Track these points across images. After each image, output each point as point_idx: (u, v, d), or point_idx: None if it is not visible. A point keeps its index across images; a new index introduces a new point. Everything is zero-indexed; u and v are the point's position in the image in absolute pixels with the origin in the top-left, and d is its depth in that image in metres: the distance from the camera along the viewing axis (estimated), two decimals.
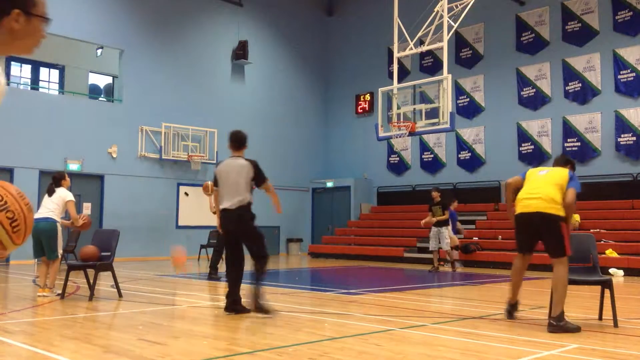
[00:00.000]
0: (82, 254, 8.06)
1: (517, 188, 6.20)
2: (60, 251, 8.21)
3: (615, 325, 5.84)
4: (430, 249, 13.49)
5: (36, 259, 8.40)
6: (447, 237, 13.17)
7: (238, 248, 6.68)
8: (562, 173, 6.04)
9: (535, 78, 17.56)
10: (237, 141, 6.73)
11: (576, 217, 14.86)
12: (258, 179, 6.60)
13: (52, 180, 8.53)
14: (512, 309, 6.29)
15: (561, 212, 5.77)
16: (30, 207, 1.71)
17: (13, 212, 1.65)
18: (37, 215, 8.18)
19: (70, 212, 8.33)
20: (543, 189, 5.89)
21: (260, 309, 6.30)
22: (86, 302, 7.57)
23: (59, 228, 8.19)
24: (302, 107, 22.43)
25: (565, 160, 6.51)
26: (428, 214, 13.55)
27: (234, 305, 6.49)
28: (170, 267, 12.70)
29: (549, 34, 17.38)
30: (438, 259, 13.37)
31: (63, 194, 8.34)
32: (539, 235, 5.91)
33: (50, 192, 8.37)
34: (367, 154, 21.42)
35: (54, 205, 8.21)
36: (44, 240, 8.07)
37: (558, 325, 5.49)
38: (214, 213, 7.66)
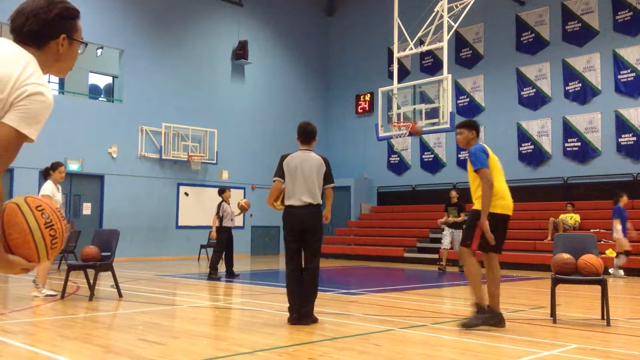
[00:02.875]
0: (83, 254, 8.03)
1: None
2: None
3: (608, 324, 5.87)
4: (442, 247, 13.18)
5: None
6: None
7: (299, 249, 6.17)
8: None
9: (535, 78, 17.55)
10: (308, 134, 6.32)
11: (576, 217, 14.87)
12: (328, 177, 6.29)
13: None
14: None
15: None
16: (68, 228, 1.84)
17: (56, 230, 1.76)
18: None
19: None
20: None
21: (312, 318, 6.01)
22: (86, 302, 7.56)
23: None
24: (302, 107, 22.41)
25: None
26: (444, 215, 13.21)
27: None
28: None
29: (549, 34, 17.38)
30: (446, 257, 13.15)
31: (43, 187, 7.99)
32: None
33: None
34: (367, 154, 21.42)
35: None
36: None
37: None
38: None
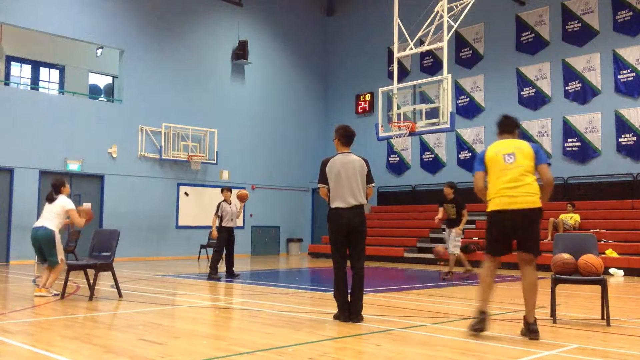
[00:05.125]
0: (87, 216, 8.38)
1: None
2: (60, 257, 8.15)
3: (608, 324, 5.87)
4: (452, 252, 11.63)
5: (40, 262, 8.44)
6: (455, 240, 11.51)
7: (347, 250, 6.41)
8: (528, 150, 5.31)
9: (535, 78, 17.56)
10: (351, 136, 6.42)
11: (576, 217, 14.88)
12: (369, 177, 6.35)
13: (51, 187, 8.43)
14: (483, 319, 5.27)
15: (540, 203, 5.20)
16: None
17: None
18: (36, 224, 8.22)
19: (73, 220, 8.29)
20: (523, 178, 5.18)
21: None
22: (86, 302, 7.56)
23: (57, 236, 8.14)
24: (302, 107, 22.42)
25: (514, 123, 5.66)
26: (439, 210, 11.76)
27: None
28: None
29: (549, 34, 17.38)
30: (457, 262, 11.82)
31: (63, 202, 8.26)
32: (516, 233, 5.25)
33: (51, 200, 8.31)
34: (367, 154, 21.26)
35: (52, 215, 8.16)
36: (43, 247, 8.11)
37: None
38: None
